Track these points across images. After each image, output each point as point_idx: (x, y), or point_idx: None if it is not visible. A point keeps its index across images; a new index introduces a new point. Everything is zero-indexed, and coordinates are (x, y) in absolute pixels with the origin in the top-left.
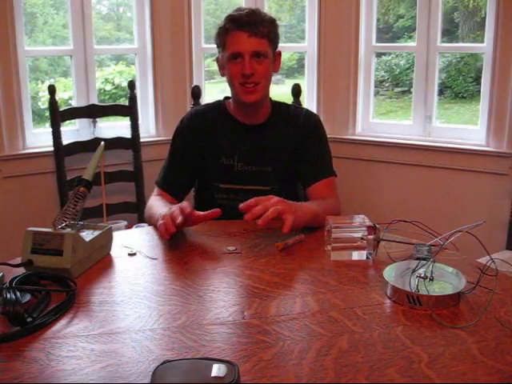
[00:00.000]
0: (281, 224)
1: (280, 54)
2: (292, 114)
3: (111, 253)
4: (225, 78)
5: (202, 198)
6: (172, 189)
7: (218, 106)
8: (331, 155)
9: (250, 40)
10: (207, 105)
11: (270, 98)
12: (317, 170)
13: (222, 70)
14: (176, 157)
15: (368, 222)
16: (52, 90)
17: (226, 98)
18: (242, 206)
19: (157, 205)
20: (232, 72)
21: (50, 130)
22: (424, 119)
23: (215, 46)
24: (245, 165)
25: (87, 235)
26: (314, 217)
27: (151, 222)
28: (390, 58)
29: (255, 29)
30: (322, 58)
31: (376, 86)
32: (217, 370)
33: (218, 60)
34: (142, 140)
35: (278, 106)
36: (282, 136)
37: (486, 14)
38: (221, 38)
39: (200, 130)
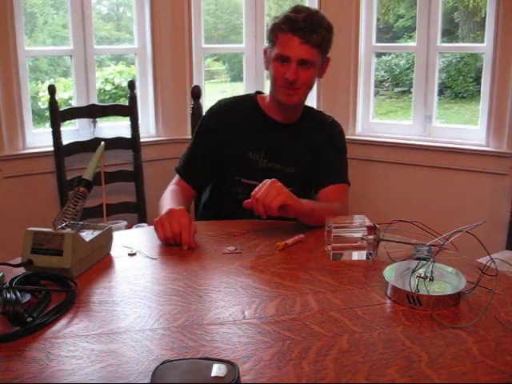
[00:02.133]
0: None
1: (329, 60)
2: (320, 120)
3: (111, 253)
4: (225, 78)
5: (217, 190)
6: (192, 179)
7: (249, 99)
8: (347, 166)
9: (300, 47)
10: (236, 97)
11: None
12: (330, 175)
13: (267, 63)
14: (199, 146)
15: (368, 222)
16: (52, 90)
17: (258, 93)
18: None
19: (170, 198)
20: (276, 72)
21: (50, 129)
22: (424, 119)
23: (215, 45)
24: (270, 162)
25: (87, 235)
26: (311, 209)
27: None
28: (390, 58)
29: (309, 36)
30: None
31: (376, 86)
32: (217, 369)
33: (265, 52)
34: (141, 140)
35: (309, 109)
36: (308, 139)
37: (486, 14)
38: (273, 34)
39: (227, 121)
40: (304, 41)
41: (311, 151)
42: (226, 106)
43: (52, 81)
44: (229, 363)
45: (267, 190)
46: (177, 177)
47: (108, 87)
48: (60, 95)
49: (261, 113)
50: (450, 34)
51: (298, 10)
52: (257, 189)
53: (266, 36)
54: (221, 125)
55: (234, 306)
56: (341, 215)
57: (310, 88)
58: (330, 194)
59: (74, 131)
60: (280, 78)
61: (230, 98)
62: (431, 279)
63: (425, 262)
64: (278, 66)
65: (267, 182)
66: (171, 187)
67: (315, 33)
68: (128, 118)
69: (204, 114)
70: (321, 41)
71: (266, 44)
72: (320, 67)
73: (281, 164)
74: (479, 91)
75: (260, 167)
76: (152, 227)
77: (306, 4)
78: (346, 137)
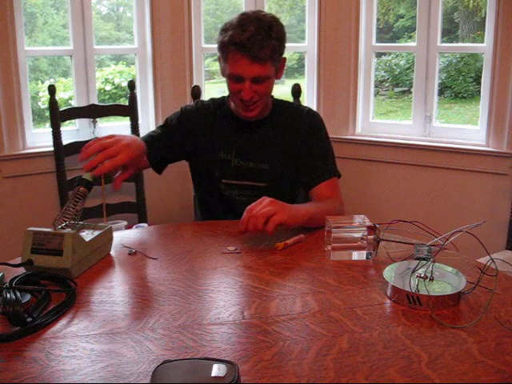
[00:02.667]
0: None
1: (284, 60)
2: (294, 112)
3: (111, 253)
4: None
5: (203, 191)
6: (151, 152)
7: (222, 101)
8: (334, 154)
9: (251, 66)
10: (212, 99)
11: (272, 96)
12: (318, 172)
13: (223, 73)
14: (166, 131)
15: (368, 222)
16: (52, 90)
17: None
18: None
19: None
20: (232, 89)
21: (50, 129)
22: (424, 119)
23: (215, 45)
24: (242, 160)
25: (87, 235)
26: (310, 217)
27: None
28: (390, 58)
29: (258, 52)
30: (321, 58)
31: (376, 86)
32: (217, 370)
33: (219, 60)
34: None
35: (280, 103)
36: (281, 134)
37: (486, 14)
38: (222, 51)
39: (201, 122)
40: (253, 59)
41: (287, 145)
42: (201, 106)
43: (52, 81)
44: (229, 363)
45: (266, 206)
46: None
47: (108, 87)
48: (60, 95)
49: (230, 113)
50: (450, 33)
51: (244, 25)
52: (253, 204)
53: (217, 46)
54: (193, 122)
55: (234, 306)
56: (339, 212)
57: (268, 95)
58: (322, 191)
59: (73, 131)
60: (236, 94)
61: (206, 101)
62: (431, 279)
63: (425, 262)
64: (232, 85)
65: (266, 198)
66: None
67: (265, 48)
68: (128, 118)
69: (182, 106)
70: (271, 53)
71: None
72: (276, 71)
73: (253, 161)
74: (479, 91)
75: (233, 166)
76: (152, 227)
77: (306, 4)
78: (346, 137)
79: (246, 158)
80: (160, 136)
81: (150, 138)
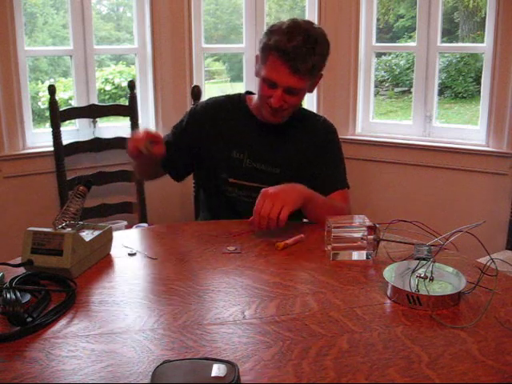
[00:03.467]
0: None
1: (321, 76)
2: (310, 121)
3: (111, 253)
4: (225, 78)
5: (208, 190)
6: (172, 168)
7: (238, 99)
8: (345, 166)
9: (289, 76)
10: (227, 96)
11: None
12: (331, 182)
13: (257, 73)
14: (179, 136)
15: (368, 222)
16: (52, 90)
17: (248, 93)
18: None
19: None
20: (262, 92)
21: (50, 129)
22: (424, 119)
23: (215, 45)
24: (253, 162)
25: (87, 235)
26: (322, 203)
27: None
28: (390, 58)
29: (300, 65)
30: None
31: (376, 86)
32: (217, 370)
33: (257, 60)
34: None
35: (298, 110)
36: (296, 140)
37: (486, 14)
38: (264, 52)
39: (214, 118)
40: (294, 70)
41: (301, 152)
42: (214, 104)
43: (52, 81)
44: (229, 363)
45: (271, 203)
46: None
47: (108, 87)
48: (60, 95)
49: (248, 113)
50: (450, 33)
51: (292, 33)
52: (258, 204)
53: (259, 46)
54: (206, 120)
55: (234, 306)
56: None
57: (296, 107)
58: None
59: (73, 131)
60: (265, 98)
61: (219, 97)
62: (431, 279)
63: (425, 262)
64: (264, 88)
65: (266, 192)
66: None
67: (307, 62)
68: (128, 118)
69: (192, 106)
70: (311, 68)
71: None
72: (310, 86)
73: (265, 164)
74: (479, 91)
75: (244, 167)
76: (152, 227)
77: (306, 4)
78: (346, 137)
79: (258, 160)
80: (172, 141)
81: (166, 160)
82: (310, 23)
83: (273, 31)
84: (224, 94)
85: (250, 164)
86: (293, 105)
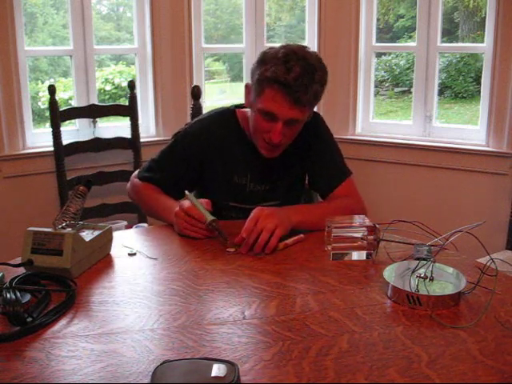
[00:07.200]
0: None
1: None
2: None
3: (111, 253)
4: (225, 78)
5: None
6: (177, 194)
7: (229, 117)
8: (341, 153)
9: (290, 108)
10: (214, 116)
11: None
12: (331, 178)
13: (248, 102)
14: (175, 166)
15: (368, 222)
16: (52, 90)
17: (237, 106)
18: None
19: (160, 197)
20: (260, 126)
21: (50, 129)
22: (424, 119)
23: (215, 45)
24: (258, 184)
25: (87, 235)
26: (319, 217)
27: (155, 212)
28: (390, 58)
29: (302, 96)
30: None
31: (376, 86)
32: (217, 370)
33: (247, 88)
34: (141, 140)
35: None
36: (291, 147)
37: (486, 14)
38: (259, 84)
39: (207, 146)
40: (295, 102)
41: (296, 154)
42: (205, 130)
43: (52, 81)
44: (229, 363)
45: (261, 227)
46: (142, 183)
47: (108, 87)
48: (60, 95)
49: (241, 134)
50: (450, 34)
51: (288, 62)
52: (247, 228)
53: (251, 75)
54: (201, 149)
55: (234, 306)
56: (359, 210)
57: (293, 139)
58: (339, 195)
59: (74, 131)
60: (262, 132)
61: (207, 119)
62: (431, 279)
63: (425, 262)
64: (261, 121)
65: (256, 214)
66: (152, 188)
67: (308, 93)
68: (128, 118)
69: (179, 135)
70: (313, 98)
71: (249, 82)
72: (309, 115)
73: (270, 183)
74: (479, 91)
75: (248, 191)
76: (152, 227)
77: (306, 4)
78: (346, 137)
79: (262, 182)
80: (173, 177)
81: (166, 185)
82: (303, 48)
83: (266, 61)
84: (207, 114)
85: (253, 187)
86: (291, 137)
